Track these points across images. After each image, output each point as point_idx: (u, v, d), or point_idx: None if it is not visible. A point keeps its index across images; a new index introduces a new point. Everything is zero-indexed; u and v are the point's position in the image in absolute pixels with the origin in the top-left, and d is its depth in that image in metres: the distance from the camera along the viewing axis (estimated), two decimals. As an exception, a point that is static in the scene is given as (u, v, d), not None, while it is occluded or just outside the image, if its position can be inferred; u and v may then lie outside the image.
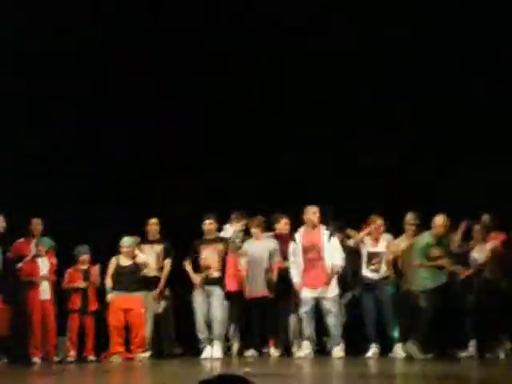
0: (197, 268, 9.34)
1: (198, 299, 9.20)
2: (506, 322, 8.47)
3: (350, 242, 9.47)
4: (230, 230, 9.54)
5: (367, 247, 9.13)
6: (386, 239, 9.18)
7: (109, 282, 9.24)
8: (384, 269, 9.08)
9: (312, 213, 8.92)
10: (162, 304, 9.59)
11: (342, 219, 9.40)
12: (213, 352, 9.09)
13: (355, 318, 9.27)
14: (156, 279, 9.48)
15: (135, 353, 9.16)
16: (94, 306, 9.41)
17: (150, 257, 9.47)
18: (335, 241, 8.97)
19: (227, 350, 9.39)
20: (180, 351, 9.67)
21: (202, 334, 9.18)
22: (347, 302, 9.38)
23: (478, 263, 8.70)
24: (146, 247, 9.53)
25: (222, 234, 9.54)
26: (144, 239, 9.62)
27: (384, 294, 9.01)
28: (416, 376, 7.02)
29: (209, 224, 9.28)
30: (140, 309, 9.20)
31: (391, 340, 9.01)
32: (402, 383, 6.62)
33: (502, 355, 8.43)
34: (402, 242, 9.25)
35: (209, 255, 9.22)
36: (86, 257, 9.42)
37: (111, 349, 9.12)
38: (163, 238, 9.66)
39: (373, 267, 9.07)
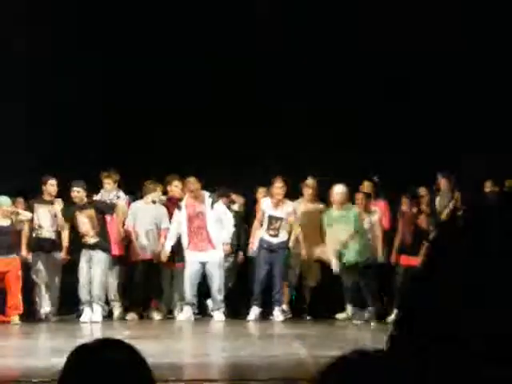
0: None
1: (81, 262, 9.12)
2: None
3: (235, 207, 9.53)
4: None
5: (268, 211, 9.18)
6: (288, 204, 9.21)
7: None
8: (283, 233, 9.17)
9: (194, 186, 9.00)
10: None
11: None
12: (92, 315, 9.03)
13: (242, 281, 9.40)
14: (51, 241, 9.23)
15: (10, 315, 8.95)
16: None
17: (45, 218, 9.21)
18: (220, 206, 9.03)
19: (108, 314, 9.32)
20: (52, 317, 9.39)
21: (83, 296, 9.10)
22: (231, 266, 9.45)
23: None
24: (42, 207, 9.26)
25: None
26: (39, 199, 9.32)
27: (278, 258, 9.09)
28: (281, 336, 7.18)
29: (76, 192, 9.17)
30: (17, 271, 8.99)
31: (274, 303, 9.13)
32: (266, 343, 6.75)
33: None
34: (300, 205, 9.31)
35: (82, 222, 9.12)
36: None
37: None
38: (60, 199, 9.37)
39: (272, 232, 9.13)
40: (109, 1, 10.71)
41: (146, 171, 9.62)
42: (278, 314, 9.00)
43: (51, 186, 9.21)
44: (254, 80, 10.40)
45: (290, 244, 9.18)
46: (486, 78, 9.97)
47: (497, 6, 10.13)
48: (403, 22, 10.01)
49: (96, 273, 9.09)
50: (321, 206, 9.29)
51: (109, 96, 10.49)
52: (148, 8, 10.57)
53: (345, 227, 8.63)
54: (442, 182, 9.24)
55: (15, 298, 8.97)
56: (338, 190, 8.76)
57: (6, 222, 9.09)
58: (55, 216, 9.21)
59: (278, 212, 9.12)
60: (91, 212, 9.13)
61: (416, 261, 8.64)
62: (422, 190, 9.23)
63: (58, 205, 9.26)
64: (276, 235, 9.11)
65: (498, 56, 10.08)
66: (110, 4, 10.57)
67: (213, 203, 9.05)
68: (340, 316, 8.98)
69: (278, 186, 9.01)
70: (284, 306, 9.14)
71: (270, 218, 9.11)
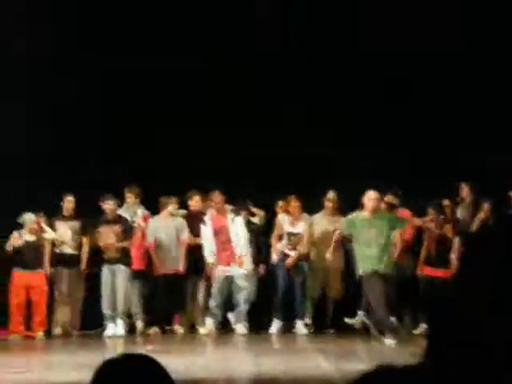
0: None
1: (103, 277, 9.17)
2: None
3: (255, 220, 9.56)
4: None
5: (286, 227, 9.21)
6: (305, 219, 9.24)
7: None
8: (302, 248, 9.16)
9: (217, 199, 9.09)
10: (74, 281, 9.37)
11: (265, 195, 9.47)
12: (115, 330, 9.06)
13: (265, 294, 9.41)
14: (72, 256, 9.30)
15: (36, 331, 9.00)
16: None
17: (65, 234, 9.30)
18: (239, 220, 9.12)
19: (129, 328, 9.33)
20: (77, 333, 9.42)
21: (106, 310, 9.14)
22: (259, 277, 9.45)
23: None
24: (62, 224, 9.34)
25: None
26: (59, 216, 9.42)
27: (298, 272, 9.11)
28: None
29: (108, 206, 9.24)
30: (43, 286, 9.05)
31: (296, 316, 9.10)
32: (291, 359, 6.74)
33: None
34: (322, 219, 9.31)
35: (109, 236, 9.18)
36: None
37: (11, 327, 8.94)
38: (79, 214, 9.46)
39: (290, 247, 9.18)
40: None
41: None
42: (300, 328, 8.98)
43: (69, 202, 9.32)
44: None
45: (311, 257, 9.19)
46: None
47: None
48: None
49: (119, 287, 9.14)
50: (342, 219, 9.25)
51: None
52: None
53: (376, 234, 8.30)
54: (465, 192, 9.16)
55: (41, 314, 9.03)
56: (371, 196, 8.58)
57: (31, 238, 9.17)
58: (75, 231, 9.29)
59: (296, 228, 9.18)
60: (117, 227, 9.19)
61: (441, 272, 8.58)
62: (446, 201, 9.18)
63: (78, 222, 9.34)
64: (295, 249, 9.15)
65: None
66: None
67: (234, 217, 9.14)
68: (350, 321, 8.86)
69: (295, 205, 9.11)
70: (307, 320, 9.12)
71: (289, 234, 9.20)
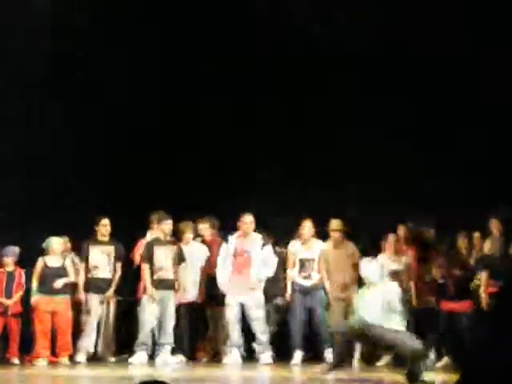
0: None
1: (148, 305, 9.01)
2: None
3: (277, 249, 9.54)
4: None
5: (299, 254, 9.17)
6: (317, 245, 9.23)
7: (35, 284, 9.09)
8: (315, 275, 9.15)
9: (248, 222, 9.02)
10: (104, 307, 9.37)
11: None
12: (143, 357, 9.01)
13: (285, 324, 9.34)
14: (106, 281, 9.27)
15: (60, 356, 9.03)
16: (18, 307, 9.22)
17: (99, 258, 9.29)
18: (268, 249, 9.06)
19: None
20: (112, 359, 9.42)
21: (145, 338, 9.03)
22: (275, 309, 9.40)
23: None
24: (96, 248, 9.32)
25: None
26: (94, 240, 9.38)
27: (316, 301, 9.08)
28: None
29: (167, 225, 9.15)
30: (67, 311, 9.08)
31: (322, 345, 9.02)
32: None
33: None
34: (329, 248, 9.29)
35: (163, 257, 9.11)
36: (11, 259, 9.22)
37: (36, 352, 8.98)
38: (114, 239, 9.41)
39: (305, 274, 9.14)
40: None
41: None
42: (330, 356, 8.88)
43: (103, 226, 9.31)
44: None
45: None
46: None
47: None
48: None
49: (171, 316, 9.05)
50: (351, 246, 9.22)
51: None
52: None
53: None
54: (494, 225, 9.07)
55: (65, 339, 9.05)
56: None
57: (58, 263, 9.22)
58: (109, 256, 9.29)
59: (309, 253, 9.12)
60: (174, 248, 9.17)
61: (459, 305, 8.47)
62: (476, 234, 9.13)
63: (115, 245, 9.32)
64: (309, 276, 9.10)
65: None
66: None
67: (264, 244, 9.05)
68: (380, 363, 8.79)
69: (306, 226, 9.06)
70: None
71: (302, 261, 9.13)
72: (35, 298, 9.04)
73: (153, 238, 9.27)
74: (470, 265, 8.86)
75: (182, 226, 9.37)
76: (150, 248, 9.11)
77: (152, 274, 9.03)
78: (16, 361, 9.02)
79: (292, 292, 9.16)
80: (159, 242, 9.15)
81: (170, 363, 8.90)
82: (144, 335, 8.99)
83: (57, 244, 9.19)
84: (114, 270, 9.31)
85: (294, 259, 9.22)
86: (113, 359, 9.26)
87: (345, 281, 9.08)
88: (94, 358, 9.19)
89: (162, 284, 9.04)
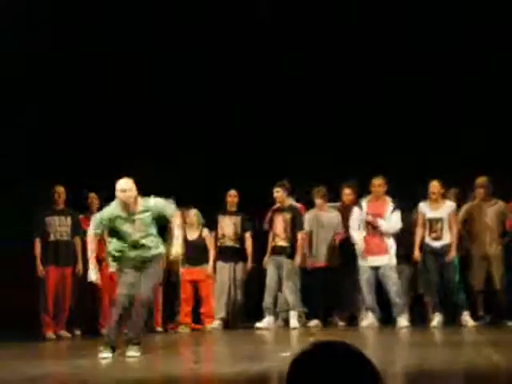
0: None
1: (269, 269, 9.30)
2: None
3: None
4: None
5: (427, 213, 9.06)
6: (447, 204, 9.09)
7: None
8: (446, 235, 9.01)
9: (378, 185, 9.03)
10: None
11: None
12: (273, 322, 9.24)
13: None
14: (234, 249, 9.58)
15: (204, 324, 9.35)
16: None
17: (227, 227, 9.60)
18: (397, 213, 9.04)
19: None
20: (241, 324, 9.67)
21: (267, 303, 9.29)
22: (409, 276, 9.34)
23: None
24: (225, 218, 9.65)
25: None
26: (224, 211, 9.73)
27: (448, 263, 8.95)
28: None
29: (276, 192, 9.38)
30: (208, 280, 9.39)
31: (456, 307, 8.94)
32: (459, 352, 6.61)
33: None
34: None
35: (277, 223, 9.33)
36: None
37: (179, 319, 9.33)
38: (240, 209, 9.74)
39: (434, 235, 9.02)
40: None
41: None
42: (467, 319, 8.78)
43: (230, 196, 9.59)
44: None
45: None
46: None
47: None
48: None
49: (289, 279, 9.23)
50: (500, 203, 9.07)
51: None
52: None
53: None
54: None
55: (208, 306, 9.39)
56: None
57: (195, 235, 9.54)
58: (237, 225, 9.56)
59: (437, 213, 9.02)
60: (288, 215, 9.32)
61: None
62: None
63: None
64: (439, 238, 8.98)
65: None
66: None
67: (394, 208, 9.05)
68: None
69: (434, 185, 8.97)
70: (480, 312, 8.93)
71: (430, 221, 9.03)
72: (180, 269, 9.42)
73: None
74: None
75: (314, 192, 9.49)
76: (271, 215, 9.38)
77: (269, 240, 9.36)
78: (159, 329, 9.38)
79: (423, 253, 9.05)
80: (278, 208, 9.36)
81: (297, 327, 9.04)
82: (267, 299, 9.22)
83: (195, 216, 9.48)
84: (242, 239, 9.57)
85: (422, 219, 9.11)
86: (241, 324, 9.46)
87: (490, 239, 8.93)
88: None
89: (276, 250, 9.27)
